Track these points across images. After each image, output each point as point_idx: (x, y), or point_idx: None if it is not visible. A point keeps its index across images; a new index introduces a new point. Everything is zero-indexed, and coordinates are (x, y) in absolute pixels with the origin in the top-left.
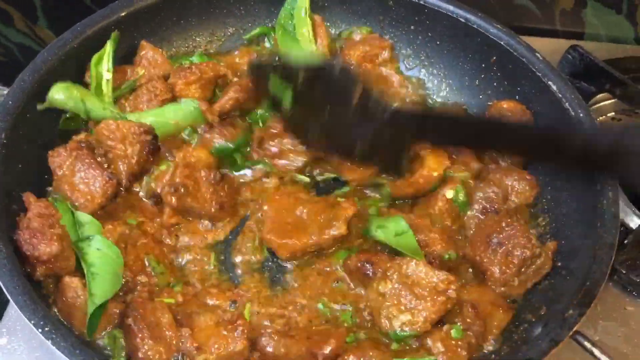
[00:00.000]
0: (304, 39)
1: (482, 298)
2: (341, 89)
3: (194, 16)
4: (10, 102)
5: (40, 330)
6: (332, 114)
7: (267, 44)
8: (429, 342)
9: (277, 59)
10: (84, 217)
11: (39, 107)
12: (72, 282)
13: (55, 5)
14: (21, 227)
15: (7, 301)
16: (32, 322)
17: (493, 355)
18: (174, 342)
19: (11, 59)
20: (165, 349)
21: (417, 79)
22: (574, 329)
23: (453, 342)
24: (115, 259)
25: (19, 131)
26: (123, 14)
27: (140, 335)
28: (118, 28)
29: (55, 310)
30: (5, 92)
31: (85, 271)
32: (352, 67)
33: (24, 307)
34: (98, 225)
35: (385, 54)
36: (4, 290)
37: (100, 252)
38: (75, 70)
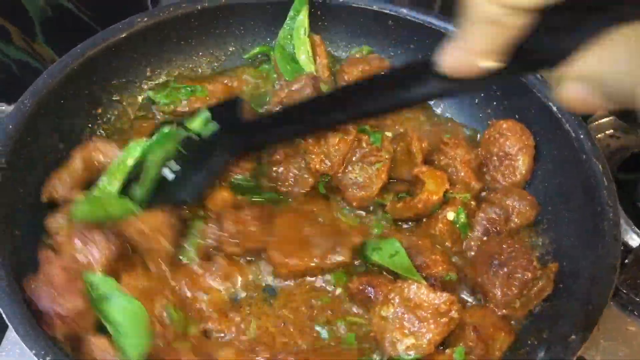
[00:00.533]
0: (303, 59)
1: (484, 321)
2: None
3: (194, 37)
4: (10, 127)
5: None
6: None
7: (266, 65)
8: None
9: None
10: (93, 277)
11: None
12: (100, 343)
13: (53, 22)
14: (36, 283)
15: (7, 325)
16: (33, 351)
17: None
18: None
19: (9, 76)
20: None
21: None
22: (577, 353)
23: None
24: (139, 312)
25: (19, 155)
26: (124, 35)
27: None
28: (118, 49)
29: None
30: (4, 107)
31: (111, 331)
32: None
33: (26, 336)
34: (112, 282)
35: None
36: (5, 317)
37: (122, 308)
38: (75, 92)
